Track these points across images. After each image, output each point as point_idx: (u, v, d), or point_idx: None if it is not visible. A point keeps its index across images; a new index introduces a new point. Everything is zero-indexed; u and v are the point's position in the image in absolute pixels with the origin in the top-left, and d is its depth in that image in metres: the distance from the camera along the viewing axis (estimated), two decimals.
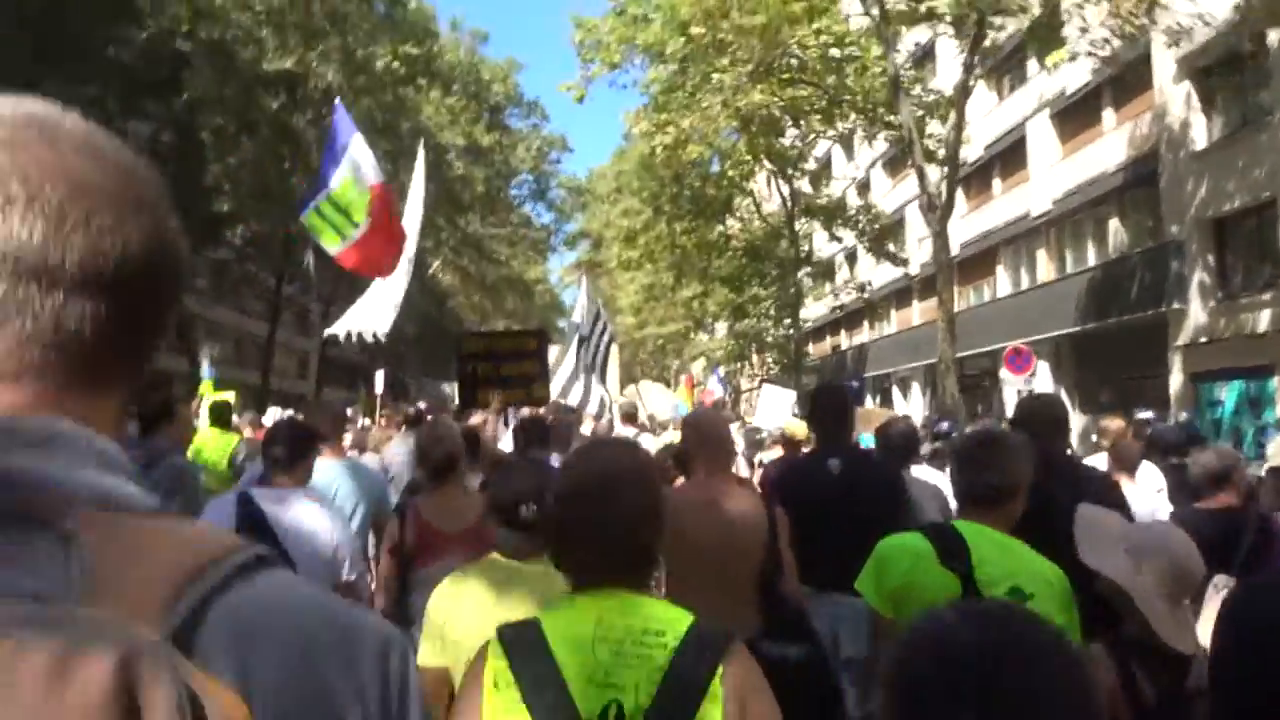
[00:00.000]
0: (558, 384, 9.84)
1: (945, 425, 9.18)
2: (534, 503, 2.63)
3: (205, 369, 8.68)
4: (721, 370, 36.57)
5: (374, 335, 8.69)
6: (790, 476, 4.62)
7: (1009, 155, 28.29)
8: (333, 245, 8.06)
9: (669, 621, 1.62)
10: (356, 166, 7.96)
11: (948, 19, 16.87)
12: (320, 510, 3.72)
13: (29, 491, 0.58)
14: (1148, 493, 5.53)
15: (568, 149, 47.30)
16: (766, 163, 25.89)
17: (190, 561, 0.63)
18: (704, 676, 1.54)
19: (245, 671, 0.61)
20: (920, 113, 18.67)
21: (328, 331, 8.65)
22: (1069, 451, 4.56)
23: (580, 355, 10.38)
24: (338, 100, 9.48)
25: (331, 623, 0.70)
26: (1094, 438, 7.13)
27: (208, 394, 8.17)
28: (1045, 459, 3.57)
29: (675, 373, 46.45)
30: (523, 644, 1.60)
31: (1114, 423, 6.59)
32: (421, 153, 9.60)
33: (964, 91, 16.83)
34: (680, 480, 3.91)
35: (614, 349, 11.33)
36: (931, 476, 5.54)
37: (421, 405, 18.67)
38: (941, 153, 19.16)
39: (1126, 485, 4.93)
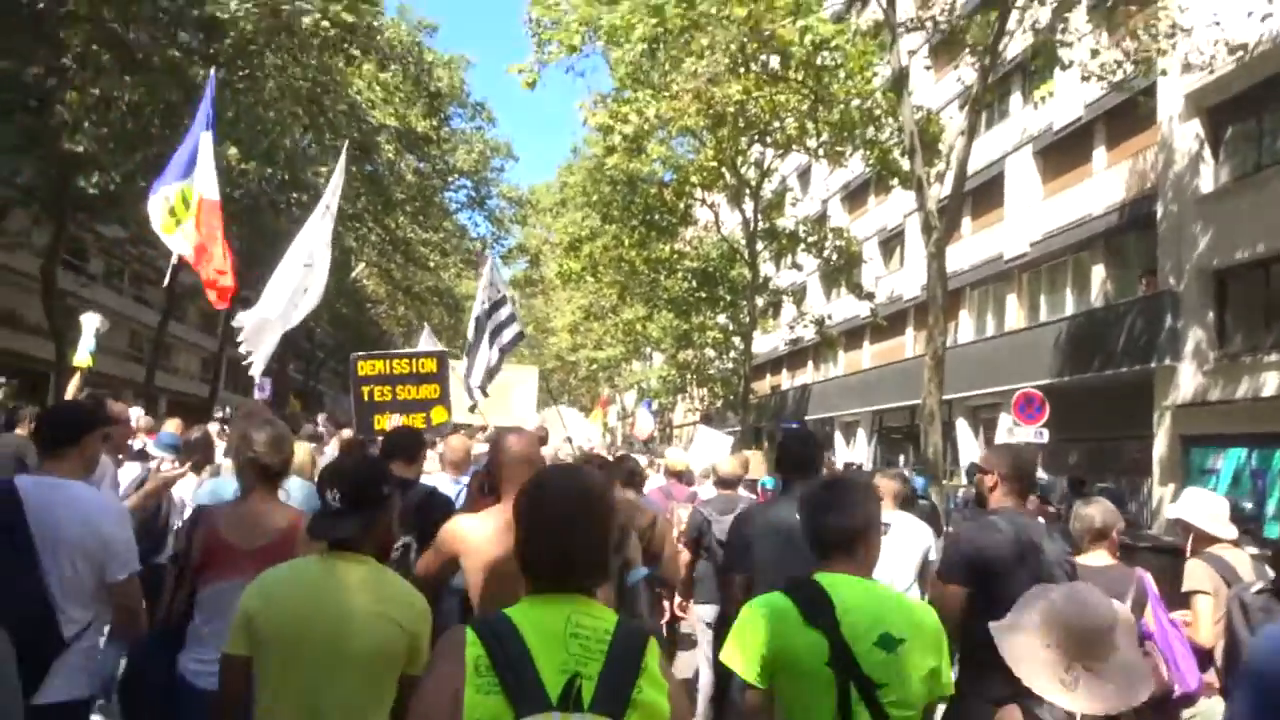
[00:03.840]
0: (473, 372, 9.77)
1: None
2: (337, 489, 2.68)
3: (85, 342, 7.43)
4: (653, 403, 34.26)
5: (250, 363, 7.77)
6: (752, 522, 4.37)
7: (983, 193, 26.60)
8: (170, 235, 7.63)
9: (612, 619, 1.97)
10: (194, 166, 7.66)
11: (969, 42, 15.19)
12: (96, 504, 3.40)
13: None
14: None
15: (512, 157, 44.44)
16: (727, 176, 23.69)
17: None
18: (638, 656, 1.91)
19: None
20: (920, 114, 16.61)
21: (236, 322, 7.77)
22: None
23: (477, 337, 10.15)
24: (212, 73, 8.76)
25: None
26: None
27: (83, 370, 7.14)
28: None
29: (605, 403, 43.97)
30: (498, 634, 1.88)
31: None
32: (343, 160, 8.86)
33: (978, 103, 14.85)
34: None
35: (511, 329, 10.57)
36: None
37: (319, 422, 16.22)
38: (941, 167, 17.12)
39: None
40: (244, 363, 7.86)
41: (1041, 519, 6.09)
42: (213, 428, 10.51)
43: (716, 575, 5.94)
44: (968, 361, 25.85)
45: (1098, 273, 22.39)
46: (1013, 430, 13.99)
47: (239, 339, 7.76)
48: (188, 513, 5.21)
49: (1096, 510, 4.42)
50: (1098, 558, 4.23)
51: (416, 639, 2.64)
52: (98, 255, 35.16)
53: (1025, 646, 2.59)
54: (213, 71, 8.91)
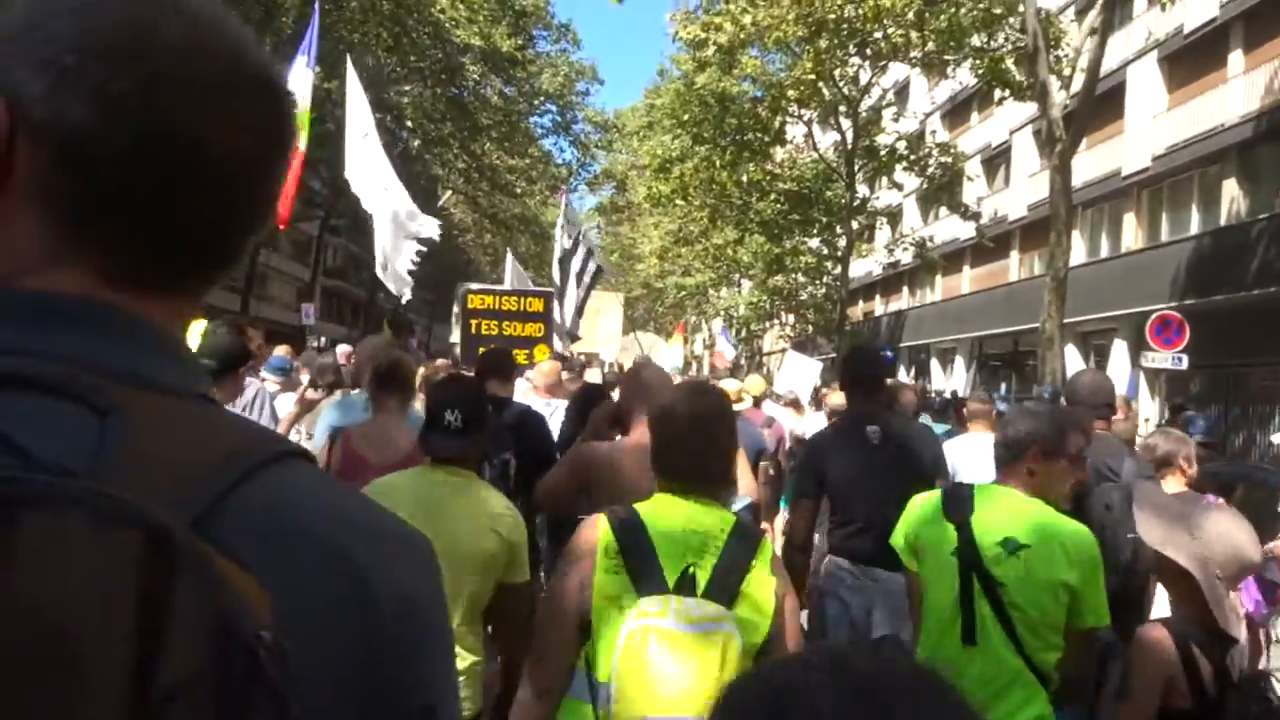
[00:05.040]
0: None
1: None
2: (459, 411, 2.88)
3: None
4: (730, 332, 33.58)
5: (400, 294, 8.42)
6: (825, 442, 4.48)
7: (1100, 105, 24.73)
8: None
9: (729, 520, 2.22)
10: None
11: None
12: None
13: (63, 364, 0.59)
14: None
15: (597, 80, 43.34)
16: (825, 91, 22.51)
17: (219, 449, 0.62)
18: (750, 554, 2.14)
19: (265, 566, 0.57)
20: (1040, 15, 15.31)
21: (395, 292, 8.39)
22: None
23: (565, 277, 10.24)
24: (316, 5, 8.75)
25: (365, 525, 0.68)
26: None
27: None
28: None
29: (691, 330, 43.43)
30: (626, 524, 2.16)
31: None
32: (351, 70, 8.74)
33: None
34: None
35: (591, 265, 10.73)
36: None
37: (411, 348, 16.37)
38: (1066, 72, 15.84)
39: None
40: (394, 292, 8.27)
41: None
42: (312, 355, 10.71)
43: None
44: (1079, 285, 24.17)
45: (1228, 188, 20.76)
46: (1147, 357, 12.97)
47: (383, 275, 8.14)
48: (313, 430, 5.52)
49: (1159, 438, 4.47)
50: (1169, 484, 4.21)
51: (514, 548, 2.84)
52: None
53: (1212, 581, 2.61)
54: (316, 4, 9.04)
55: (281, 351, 8.21)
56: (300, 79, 7.85)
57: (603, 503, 3.44)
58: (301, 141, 7.82)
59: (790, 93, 20.36)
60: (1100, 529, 3.31)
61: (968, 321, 31.49)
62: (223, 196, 0.69)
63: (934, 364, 35.72)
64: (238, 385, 3.99)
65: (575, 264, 10.38)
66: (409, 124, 26.82)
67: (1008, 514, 2.73)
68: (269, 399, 5.46)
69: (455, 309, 16.27)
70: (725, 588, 2.07)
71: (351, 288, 54.94)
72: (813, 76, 19.27)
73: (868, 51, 21.41)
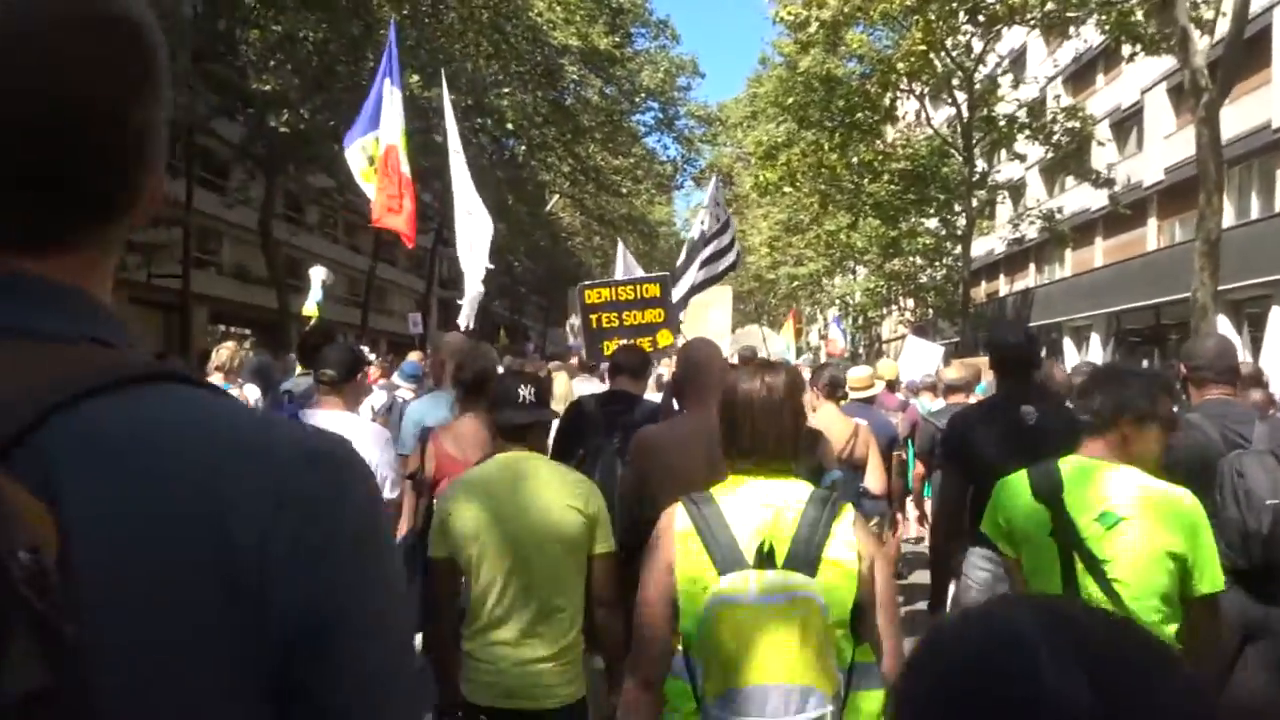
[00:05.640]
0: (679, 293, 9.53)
1: None
2: (531, 387, 3.09)
3: (314, 293, 8.24)
4: (845, 321, 32.54)
5: (466, 326, 8.37)
6: (971, 424, 4.10)
7: (1243, 53, 22.94)
8: (369, 183, 7.92)
9: (805, 491, 2.27)
10: (380, 118, 7.89)
11: None
12: (362, 429, 3.90)
13: None
14: None
15: (699, 74, 42.77)
16: (937, 63, 21.42)
17: (61, 376, 0.62)
18: (829, 520, 2.19)
19: (103, 481, 0.59)
20: None
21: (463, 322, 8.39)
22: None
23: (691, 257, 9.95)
24: (393, 20, 8.85)
25: (240, 437, 0.66)
26: None
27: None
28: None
29: (806, 320, 42.48)
30: (701, 506, 2.25)
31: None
32: (445, 88, 8.87)
33: None
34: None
35: (731, 254, 10.45)
36: None
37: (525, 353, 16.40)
38: (1209, 15, 14.54)
39: None
40: (460, 302, 8.28)
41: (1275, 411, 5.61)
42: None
43: None
44: (1228, 249, 22.15)
45: None
46: None
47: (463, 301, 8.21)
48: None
49: None
50: None
51: (595, 520, 2.96)
52: (311, 206, 36.76)
53: None
54: (393, 22, 9.09)
55: (414, 358, 8.50)
56: (390, 102, 7.97)
57: (659, 483, 3.54)
58: (404, 163, 7.76)
59: (900, 66, 19.40)
60: (1233, 495, 3.12)
61: (1103, 296, 29.70)
62: (84, 144, 0.66)
63: (1067, 342, 33.89)
64: (358, 391, 4.27)
65: (707, 250, 10.18)
66: (509, 125, 26.86)
67: (1101, 486, 2.61)
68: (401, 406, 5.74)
69: (571, 314, 16.23)
70: (806, 558, 2.13)
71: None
72: (923, 48, 18.31)
73: (980, 17, 20.26)
